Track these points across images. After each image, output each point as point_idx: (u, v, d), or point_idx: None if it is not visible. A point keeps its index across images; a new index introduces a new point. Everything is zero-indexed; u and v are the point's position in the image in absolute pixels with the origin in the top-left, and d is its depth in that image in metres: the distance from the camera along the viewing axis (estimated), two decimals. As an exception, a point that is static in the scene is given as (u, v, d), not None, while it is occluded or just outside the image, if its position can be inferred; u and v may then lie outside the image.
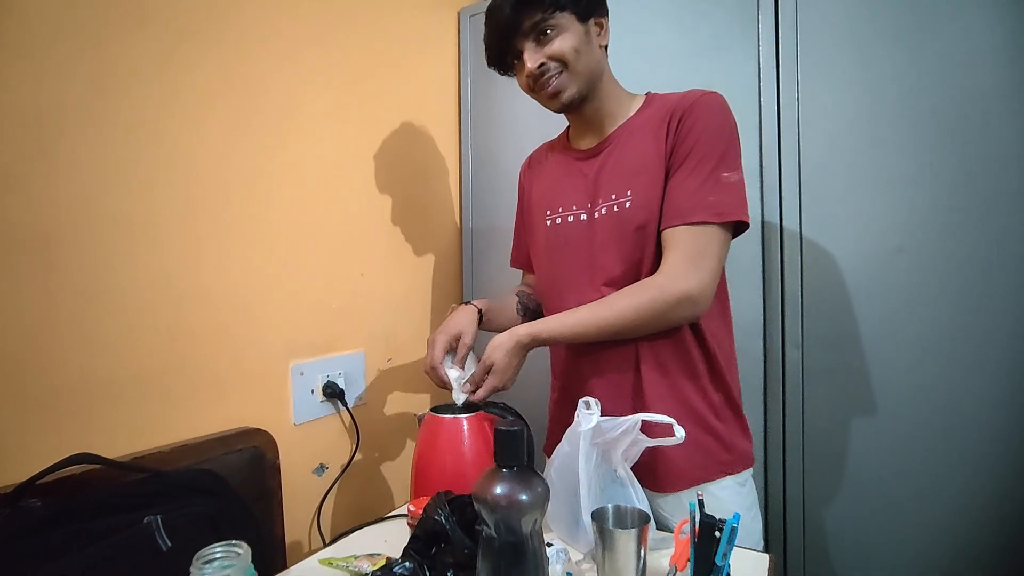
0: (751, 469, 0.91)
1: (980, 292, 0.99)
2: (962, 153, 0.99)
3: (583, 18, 0.86)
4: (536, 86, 0.89)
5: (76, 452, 0.69)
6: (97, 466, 0.70)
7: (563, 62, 0.86)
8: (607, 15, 0.92)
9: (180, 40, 0.91)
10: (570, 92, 0.88)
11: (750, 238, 1.14)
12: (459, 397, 0.92)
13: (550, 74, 0.87)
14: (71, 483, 0.70)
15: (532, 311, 1.09)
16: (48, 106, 0.77)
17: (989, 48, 0.97)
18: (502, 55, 0.91)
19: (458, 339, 0.95)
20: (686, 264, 0.81)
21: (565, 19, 0.85)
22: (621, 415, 0.78)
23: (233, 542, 0.42)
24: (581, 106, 0.91)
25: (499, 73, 0.96)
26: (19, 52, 0.74)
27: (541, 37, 0.86)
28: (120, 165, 0.84)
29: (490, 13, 0.89)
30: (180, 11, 0.91)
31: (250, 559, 0.42)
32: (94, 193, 0.81)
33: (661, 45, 1.24)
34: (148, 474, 0.75)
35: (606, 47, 0.93)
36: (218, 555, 0.41)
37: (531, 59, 0.86)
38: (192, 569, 0.41)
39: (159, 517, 0.67)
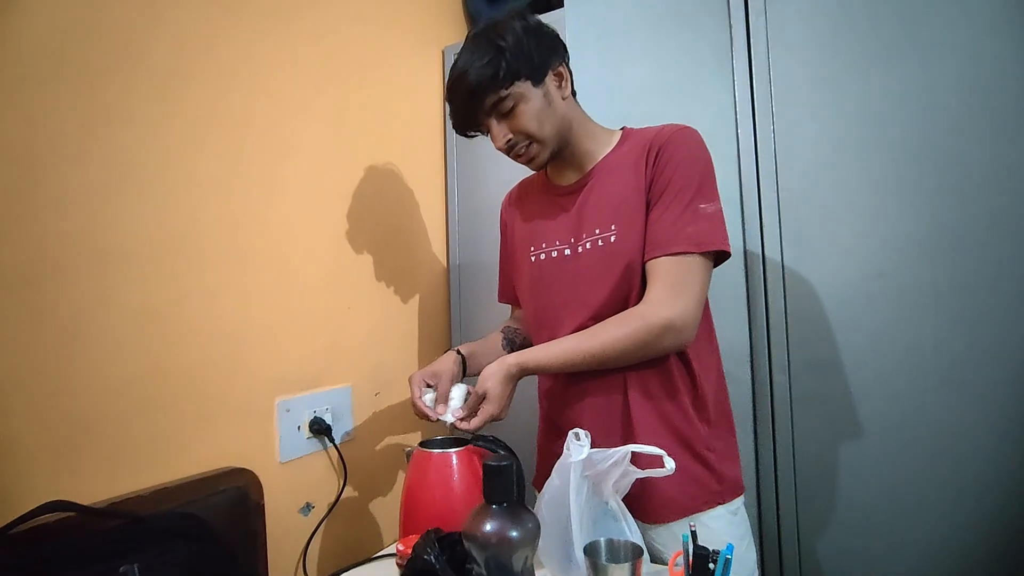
0: (742, 497, 0.91)
1: (961, 313, 1.01)
2: (935, 178, 1.03)
3: (539, 80, 0.87)
4: (510, 156, 0.92)
5: (50, 500, 0.66)
6: (71, 514, 0.68)
7: (528, 135, 0.88)
8: (565, 60, 0.92)
9: (168, 81, 0.92)
10: (542, 157, 0.91)
11: (734, 267, 1.16)
12: (443, 417, 0.92)
13: (519, 146, 0.89)
14: (43, 532, 0.67)
15: (518, 346, 1.09)
16: (38, 145, 0.77)
17: (957, 77, 1.02)
18: (468, 130, 0.93)
19: (435, 378, 0.96)
20: (668, 294, 0.82)
21: (521, 88, 0.86)
22: (610, 446, 0.78)
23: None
24: (556, 156, 0.93)
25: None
26: (12, 94, 0.75)
27: (503, 113, 0.87)
28: (106, 203, 0.84)
29: (449, 93, 0.90)
30: (168, 54, 0.93)
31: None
32: (79, 231, 0.81)
33: (639, 80, 1.28)
34: (125, 520, 0.73)
35: (573, 93, 0.93)
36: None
37: (497, 138, 0.89)
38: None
39: (136, 566, 0.65)
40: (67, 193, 0.80)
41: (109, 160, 0.84)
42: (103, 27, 0.84)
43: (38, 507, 0.64)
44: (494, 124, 0.89)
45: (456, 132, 0.95)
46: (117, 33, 0.86)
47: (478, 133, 0.94)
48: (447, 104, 0.92)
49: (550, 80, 0.89)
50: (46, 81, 0.78)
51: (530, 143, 0.89)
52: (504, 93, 0.85)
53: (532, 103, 0.87)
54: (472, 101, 0.87)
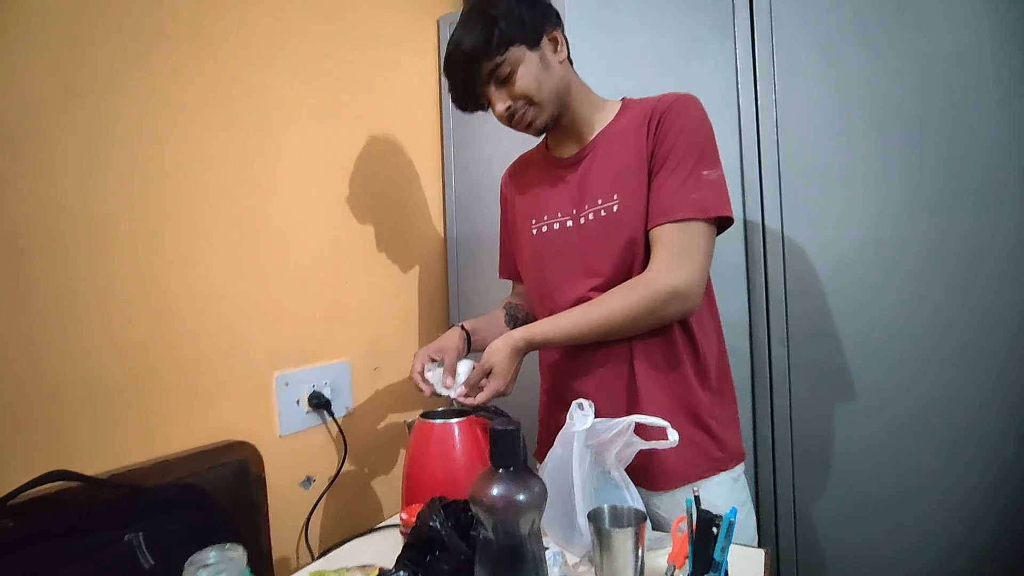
0: (743, 464, 0.92)
1: (958, 282, 1.01)
2: (934, 147, 1.03)
3: (534, 44, 0.87)
4: (511, 124, 0.91)
5: (51, 469, 0.66)
6: (74, 483, 0.67)
7: (528, 98, 0.87)
8: (559, 26, 0.91)
9: (155, 43, 0.89)
10: (542, 119, 0.90)
11: (733, 237, 1.15)
12: (449, 392, 0.92)
13: (520, 112, 0.88)
14: (46, 502, 0.67)
15: (521, 321, 1.08)
16: (19, 110, 0.74)
17: (956, 47, 1.01)
18: (469, 104, 0.92)
19: (441, 353, 0.96)
20: (674, 260, 0.81)
21: (517, 53, 0.85)
22: (614, 415, 0.78)
23: (227, 545, 0.40)
24: (556, 123, 0.92)
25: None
26: (-12, 56, 0.72)
27: (501, 79, 0.86)
28: (95, 170, 0.82)
29: (447, 68, 0.90)
30: (155, 15, 0.89)
31: (245, 563, 0.40)
32: (68, 199, 0.79)
33: (640, 50, 1.26)
34: (127, 490, 0.72)
35: (568, 58, 0.92)
36: (211, 560, 0.39)
37: (499, 105, 0.88)
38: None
39: (140, 534, 0.64)
40: (53, 160, 0.77)
41: (95, 126, 0.82)
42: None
43: (40, 476, 0.64)
44: (493, 91, 0.88)
45: (457, 108, 0.94)
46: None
47: (479, 108, 0.93)
48: (446, 79, 0.91)
49: (545, 44, 0.89)
50: (24, 42, 0.75)
51: (529, 106, 0.88)
52: (500, 59, 0.85)
53: (529, 66, 0.86)
54: (469, 70, 0.86)
